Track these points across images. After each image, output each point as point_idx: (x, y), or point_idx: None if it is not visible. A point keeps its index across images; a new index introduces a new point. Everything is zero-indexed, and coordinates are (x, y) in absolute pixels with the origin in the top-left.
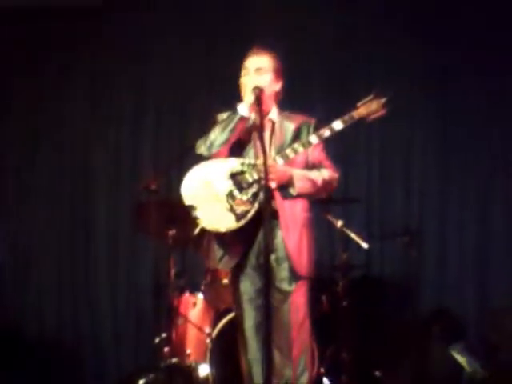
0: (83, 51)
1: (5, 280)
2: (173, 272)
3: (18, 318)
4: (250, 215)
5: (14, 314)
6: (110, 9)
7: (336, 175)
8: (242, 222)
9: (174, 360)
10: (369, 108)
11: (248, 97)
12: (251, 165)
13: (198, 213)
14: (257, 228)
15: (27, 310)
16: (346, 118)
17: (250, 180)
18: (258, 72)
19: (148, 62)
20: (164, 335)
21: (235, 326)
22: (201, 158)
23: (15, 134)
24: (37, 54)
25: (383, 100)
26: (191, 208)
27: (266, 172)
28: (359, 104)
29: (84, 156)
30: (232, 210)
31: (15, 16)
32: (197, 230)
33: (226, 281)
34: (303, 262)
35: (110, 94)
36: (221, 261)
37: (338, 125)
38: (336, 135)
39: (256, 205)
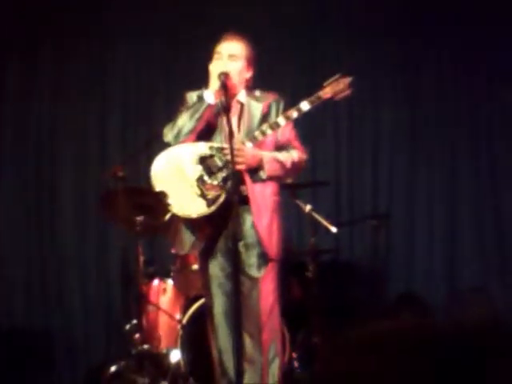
0: (45, 35)
1: None
2: (142, 259)
3: None
4: (221, 200)
5: None
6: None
7: (305, 156)
8: (213, 207)
9: (145, 347)
10: (335, 87)
11: (214, 83)
12: (220, 148)
13: (168, 199)
14: (226, 212)
15: None
16: (313, 98)
17: (220, 164)
18: (231, 58)
19: (112, 48)
20: (134, 322)
21: (205, 312)
22: (169, 145)
23: None
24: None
25: (349, 79)
26: (162, 194)
27: (233, 155)
28: (325, 84)
29: (49, 144)
30: (203, 195)
31: None
32: (167, 216)
33: (195, 266)
34: (274, 245)
35: (76, 81)
36: (188, 245)
37: (305, 105)
38: (304, 117)
39: (227, 189)
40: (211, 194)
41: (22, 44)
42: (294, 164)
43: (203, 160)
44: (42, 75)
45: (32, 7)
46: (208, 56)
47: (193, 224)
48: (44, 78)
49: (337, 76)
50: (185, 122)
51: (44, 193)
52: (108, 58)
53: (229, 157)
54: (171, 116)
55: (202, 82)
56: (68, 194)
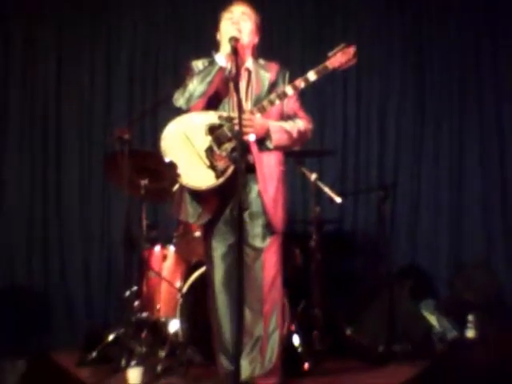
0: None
1: None
2: (145, 224)
3: None
4: (229, 171)
5: None
6: None
7: (310, 126)
8: (222, 179)
9: (144, 314)
10: (341, 57)
11: (225, 46)
12: (229, 118)
13: (177, 170)
14: (233, 182)
15: None
16: (320, 68)
17: (229, 134)
18: (243, 16)
19: (118, 12)
20: (134, 288)
21: (206, 282)
22: (176, 110)
23: None
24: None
25: (354, 49)
26: (171, 165)
27: (241, 125)
28: (330, 54)
29: (56, 105)
30: (212, 166)
31: None
32: (176, 187)
33: (198, 233)
34: (279, 217)
35: (80, 45)
36: (194, 216)
37: (312, 75)
38: (312, 87)
39: (234, 159)
40: (220, 165)
41: (26, 8)
42: (300, 134)
43: (212, 130)
44: (47, 38)
45: None
46: (214, 21)
47: (199, 194)
48: (50, 41)
49: (342, 46)
50: (196, 85)
51: (49, 154)
52: (113, 17)
53: (238, 127)
54: (177, 78)
55: (207, 46)
56: (73, 155)
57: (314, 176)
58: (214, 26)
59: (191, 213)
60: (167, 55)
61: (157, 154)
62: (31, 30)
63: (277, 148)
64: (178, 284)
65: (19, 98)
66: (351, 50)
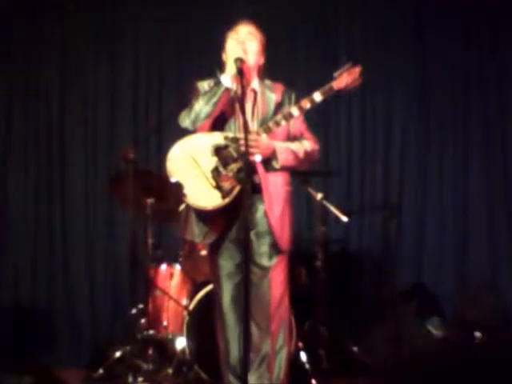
0: (54, 20)
1: None
2: (150, 242)
3: None
4: (235, 192)
5: None
6: None
7: (317, 147)
8: (228, 199)
9: (151, 332)
10: (346, 77)
11: (231, 67)
12: (235, 138)
13: (183, 190)
14: (238, 202)
15: (2, 282)
16: (326, 88)
17: (235, 155)
18: (250, 36)
19: (121, 34)
20: (141, 306)
21: (212, 299)
22: (181, 129)
23: None
24: (9, 22)
25: (359, 69)
26: (177, 185)
27: (247, 146)
28: (336, 74)
29: (59, 124)
30: (218, 186)
31: None
32: (182, 207)
33: (204, 252)
34: (285, 236)
35: (84, 63)
36: (200, 235)
37: (317, 96)
38: (316, 107)
39: (241, 179)
40: (226, 186)
41: (30, 22)
42: (306, 154)
43: (218, 151)
44: (50, 48)
45: None
46: (220, 41)
47: (205, 214)
48: (53, 52)
49: (347, 66)
50: (202, 106)
51: (54, 174)
52: (118, 33)
53: (244, 148)
54: (181, 98)
55: (211, 67)
56: (79, 175)
57: (319, 196)
58: (218, 45)
59: (197, 232)
60: (171, 75)
61: (162, 173)
62: (33, 52)
63: (283, 168)
64: (184, 302)
65: (23, 113)
66: (357, 69)
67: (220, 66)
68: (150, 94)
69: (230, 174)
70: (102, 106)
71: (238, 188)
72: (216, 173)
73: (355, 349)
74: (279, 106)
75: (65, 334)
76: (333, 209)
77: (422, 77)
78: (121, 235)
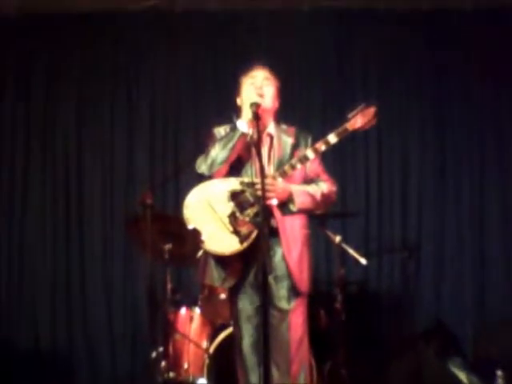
0: (72, 58)
1: None
2: (169, 287)
3: (12, 330)
4: (253, 236)
5: (7, 325)
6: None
7: (334, 188)
8: (246, 244)
9: (171, 375)
10: (361, 118)
11: (247, 112)
12: (251, 183)
13: (201, 236)
14: (256, 246)
15: (21, 324)
16: (340, 130)
17: (251, 200)
18: (266, 81)
19: (137, 80)
20: (161, 349)
21: (232, 342)
22: (198, 175)
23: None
24: (27, 58)
25: (374, 109)
26: (195, 231)
27: (264, 190)
28: (350, 115)
29: (77, 169)
30: (235, 231)
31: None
32: (200, 253)
33: (223, 295)
34: (304, 279)
35: (101, 106)
36: (219, 280)
37: (332, 138)
38: (332, 148)
39: (258, 223)
40: (244, 231)
41: (48, 56)
42: (323, 196)
43: (235, 196)
44: (69, 88)
45: (60, 17)
46: (235, 87)
47: (224, 259)
48: (70, 101)
49: (361, 106)
50: (218, 151)
51: (72, 218)
52: (134, 81)
53: (260, 192)
54: (197, 142)
55: (227, 113)
56: (96, 219)
57: (338, 238)
58: (234, 91)
59: (216, 277)
60: (187, 120)
61: (180, 218)
62: (51, 94)
63: (300, 211)
64: (204, 345)
65: (40, 162)
66: (371, 110)
67: (236, 112)
68: (166, 139)
69: (247, 219)
70: (119, 151)
71: (255, 232)
72: (233, 218)
73: None
74: (295, 149)
75: (85, 378)
76: (351, 251)
77: (439, 116)
78: (139, 279)
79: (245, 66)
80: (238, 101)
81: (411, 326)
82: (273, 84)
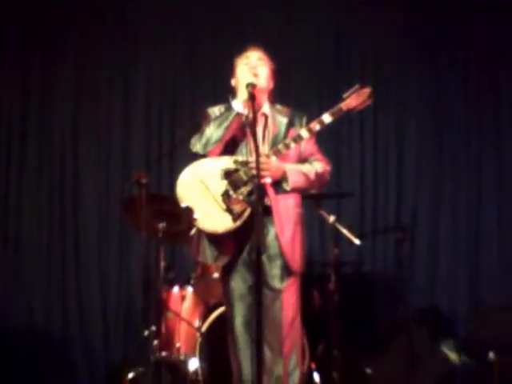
0: (69, 47)
1: None
2: (162, 265)
3: (7, 314)
4: (246, 214)
5: (3, 309)
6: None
7: (328, 168)
8: (239, 222)
9: (164, 354)
10: (356, 98)
11: (242, 92)
12: (244, 162)
13: (194, 215)
14: (250, 224)
15: (16, 304)
16: (335, 110)
17: (245, 178)
18: (260, 61)
19: (134, 60)
20: (153, 328)
21: (225, 321)
22: (193, 154)
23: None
24: (23, 45)
25: (369, 89)
26: (188, 210)
27: (258, 169)
28: (345, 95)
29: (72, 149)
30: (228, 210)
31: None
32: (193, 231)
33: (216, 275)
34: (296, 258)
35: (98, 89)
36: (212, 257)
37: (327, 118)
38: (328, 128)
39: (251, 202)
40: (237, 209)
41: (44, 47)
42: (317, 175)
43: (228, 174)
44: (64, 79)
45: (57, 9)
46: (230, 66)
47: (217, 238)
48: (66, 78)
49: (356, 87)
50: (213, 131)
51: (67, 198)
52: (132, 60)
53: (254, 171)
54: (193, 122)
55: (224, 93)
56: (91, 198)
57: (332, 218)
58: (231, 71)
59: (210, 255)
60: (183, 100)
61: (174, 197)
62: (47, 77)
63: (294, 190)
64: (196, 324)
65: (36, 140)
66: (366, 90)
67: (232, 93)
68: (162, 119)
69: (241, 197)
70: (115, 131)
71: (248, 211)
72: (226, 196)
73: (368, 371)
74: (289, 128)
75: (78, 357)
76: (345, 232)
77: (435, 97)
78: (133, 258)
79: (242, 47)
80: (233, 82)
81: (405, 308)
82: (267, 64)
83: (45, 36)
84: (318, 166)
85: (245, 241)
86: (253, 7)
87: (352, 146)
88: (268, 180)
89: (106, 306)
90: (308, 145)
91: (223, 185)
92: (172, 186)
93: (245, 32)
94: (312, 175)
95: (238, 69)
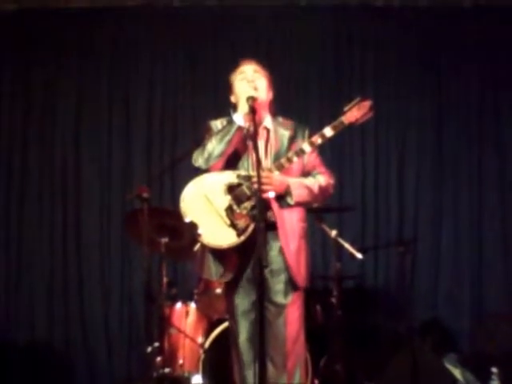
0: (70, 60)
1: None
2: (165, 281)
3: (10, 327)
4: (250, 229)
5: (5, 322)
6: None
7: (332, 181)
8: (243, 237)
9: (167, 370)
10: (357, 112)
11: (243, 106)
12: (247, 177)
13: (198, 230)
14: (254, 240)
15: (19, 319)
16: (336, 123)
17: (248, 193)
18: (256, 74)
19: (135, 72)
20: (156, 345)
21: (228, 337)
22: (195, 169)
23: (3, 144)
24: (24, 55)
25: (369, 103)
26: (192, 225)
27: (260, 183)
28: (346, 108)
29: (74, 164)
30: (233, 225)
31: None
32: (197, 247)
33: (218, 290)
34: (302, 273)
35: (98, 101)
36: (217, 274)
37: (328, 131)
38: (330, 143)
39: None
40: (241, 224)
41: (45, 59)
42: (321, 189)
43: (231, 189)
44: (66, 93)
45: (58, 21)
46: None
47: (221, 253)
48: (68, 96)
49: (357, 100)
50: (215, 145)
51: (69, 211)
52: (132, 74)
53: (257, 185)
54: (195, 136)
55: (225, 107)
56: (93, 213)
57: (334, 233)
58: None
59: (214, 271)
60: (185, 114)
61: (176, 212)
62: (48, 90)
63: (298, 204)
64: (199, 340)
65: (37, 154)
66: (367, 103)
67: (233, 108)
68: (164, 134)
69: (244, 212)
70: (116, 145)
71: (252, 226)
72: (230, 211)
73: None
74: (292, 142)
75: (81, 373)
76: (347, 246)
77: (436, 110)
78: (136, 274)
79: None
80: (232, 98)
81: (407, 322)
82: (263, 75)
83: (46, 49)
84: (321, 180)
85: (249, 256)
86: (253, 22)
87: (353, 160)
88: (271, 194)
89: (109, 323)
90: (311, 158)
91: (227, 200)
92: (174, 201)
93: (246, 46)
94: (316, 189)
95: (236, 85)
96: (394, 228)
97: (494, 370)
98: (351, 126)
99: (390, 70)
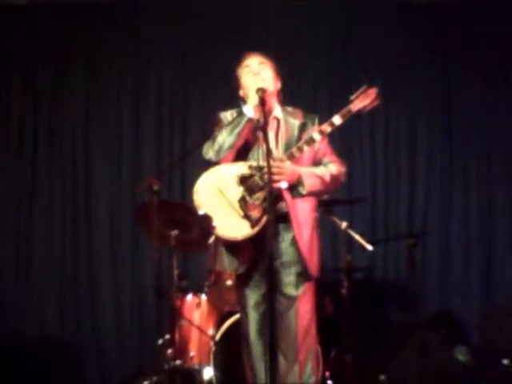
0: (80, 51)
1: (6, 282)
2: (175, 273)
3: (20, 321)
4: (264, 220)
5: (15, 316)
6: (107, 10)
7: (343, 169)
8: (257, 228)
9: (178, 362)
10: (363, 100)
11: (252, 98)
12: (259, 167)
13: (212, 222)
14: (266, 231)
15: (29, 313)
16: (344, 111)
17: (261, 183)
18: (261, 66)
19: (145, 65)
20: (167, 337)
21: (239, 329)
22: (205, 160)
23: (14, 135)
24: (35, 47)
25: (375, 90)
26: (206, 217)
27: (272, 174)
28: (353, 96)
29: (85, 156)
30: (246, 216)
31: (12, 14)
32: (212, 239)
33: (229, 282)
34: (314, 262)
35: (108, 94)
36: (231, 266)
37: (337, 119)
38: (339, 134)
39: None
40: (254, 215)
41: (54, 54)
42: (332, 177)
43: (244, 180)
44: (75, 86)
45: (68, 15)
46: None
47: (234, 245)
48: (78, 84)
49: (363, 88)
50: (225, 137)
51: (80, 203)
52: (142, 66)
53: (267, 176)
54: (204, 126)
55: (235, 98)
56: (104, 206)
57: (344, 224)
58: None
59: (227, 263)
60: (195, 106)
61: (186, 204)
62: (58, 84)
63: (310, 193)
64: (210, 332)
65: (47, 149)
66: (373, 91)
67: (242, 100)
68: (173, 126)
69: (257, 203)
70: (126, 138)
71: (265, 216)
72: (243, 202)
73: (382, 377)
74: (303, 130)
75: (92, 365)
76: (358, 237)
77: (447, 101)
78: (146, 266)
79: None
80: (241, 92)
81: (417, 313)
82: (269, 66)
83: (56, 42)
84: (332, 168)
85: (262, 247)
86: (264, 16)
87: (363, 152)
88: (284, 185)
89: (120, 315)
90: (322, 147)
91: (240, 191)
92: (183, 193)
93: (257, 36)
94: (327, 178)
95: (243, 78)
96: (404, 220)
97: (505, 361)
98: (359, 113)
99: (400, 62)
